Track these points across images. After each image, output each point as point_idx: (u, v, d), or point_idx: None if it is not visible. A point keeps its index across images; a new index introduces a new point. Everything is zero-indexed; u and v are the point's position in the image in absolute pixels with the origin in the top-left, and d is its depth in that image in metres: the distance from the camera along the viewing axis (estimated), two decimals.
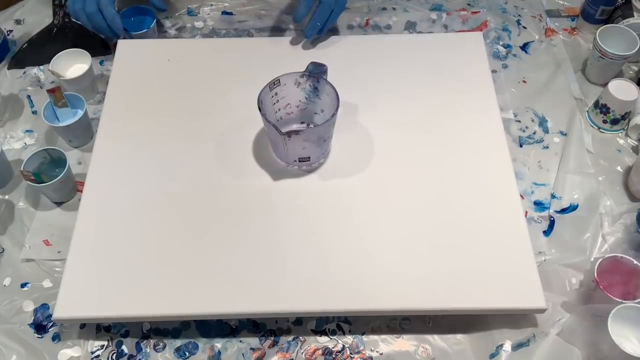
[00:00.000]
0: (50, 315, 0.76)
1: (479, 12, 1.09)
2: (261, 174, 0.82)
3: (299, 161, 0.81)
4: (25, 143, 0.94)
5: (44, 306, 0.78)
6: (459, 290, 0.72)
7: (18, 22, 1.10)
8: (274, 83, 0.79)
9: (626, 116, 0.91)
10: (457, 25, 1.08)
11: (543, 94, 0.98)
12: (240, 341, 0.75)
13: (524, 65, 1.02)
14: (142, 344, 0.75)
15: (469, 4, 1.11)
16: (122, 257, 0.75)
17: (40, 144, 0.93)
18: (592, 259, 0.79)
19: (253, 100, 0.77)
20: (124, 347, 0.75)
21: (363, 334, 0.76)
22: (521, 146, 0.92)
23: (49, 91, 0.88)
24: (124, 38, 0.99)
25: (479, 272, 0.73)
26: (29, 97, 0.99)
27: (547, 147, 0.92)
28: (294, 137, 0.76)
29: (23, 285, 0.80)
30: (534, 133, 0.93)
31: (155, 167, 0.83)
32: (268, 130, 0.79)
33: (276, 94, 0.81)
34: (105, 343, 0.75)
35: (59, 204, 0.87)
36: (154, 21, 1.01)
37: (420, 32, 1.06)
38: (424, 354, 0.74)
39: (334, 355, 0.74)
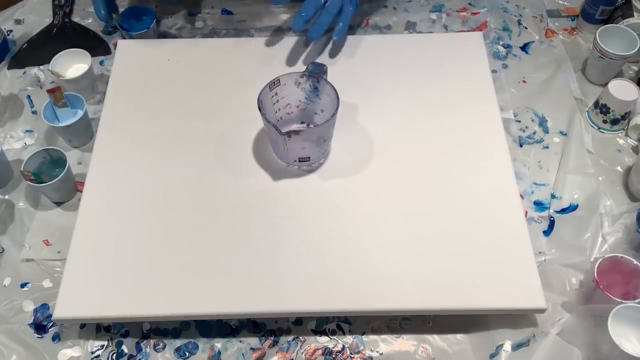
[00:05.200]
0: (50, 315, 0.76)
1: (479, 12, 1.09)
2: (261, 174, 0.82)
3: (299, 161, 0.81)
4: (25, 143, 0.93)
5: (44, 306, 0.78)
6: (459, 290, 0.72)
7: (18, 22, 1.10)
8: (274, 83, 0.79)
9: (626, 116, 0.91)
10: (457, 25, 1.08)
11: (543, 94, 0.98)
12: (240, 341, 0.75)
13: (524, 65, 1.02)
14: (142, 344, 0.75)
15: (470, 4, 1.11)
16: (122, 257, 0.75)
17: (40, 144, 0.93)
18: (592, 259, 0.79)
19: (253, 100, 0.77)
20: (124, 347, 0.75)
21: (363, 334, 0.75)
22: (521, 146, 0.92)
23: (49, 91, 0.88)
24: (124, 37, 0.99)
25: (478, 272, 0.73)
26: (29, 97, 0.99)
27: (547, 147, 0.92)
28: (294, 137, 0.75)
29: (23, 285, 0.80)
30: (534, 133, 0.93)
31: (155, 167, 0.83)
32: (268, 130, 0.79)
33: (276, 94, 0.81)
34: (105, 343, 0.75)
35: (59, 204, 0.86)
36: (154, 21, 1.01)
37: (420, 32, 1.06)
38: (424, 354, 0.74)
39: (334, 355, 0.74)
